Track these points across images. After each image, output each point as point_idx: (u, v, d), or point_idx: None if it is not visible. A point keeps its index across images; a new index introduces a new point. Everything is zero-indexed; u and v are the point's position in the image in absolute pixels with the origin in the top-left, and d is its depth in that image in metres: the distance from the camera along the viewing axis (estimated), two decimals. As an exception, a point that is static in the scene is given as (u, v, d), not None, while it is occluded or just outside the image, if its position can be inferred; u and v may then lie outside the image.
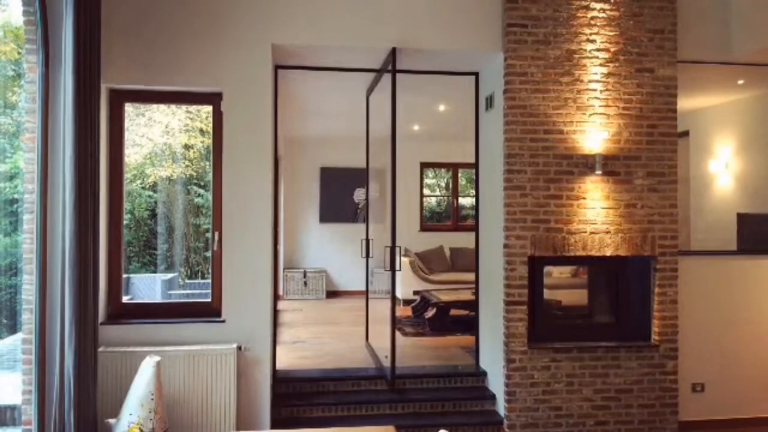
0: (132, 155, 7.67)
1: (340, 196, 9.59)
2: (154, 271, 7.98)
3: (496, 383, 4.45)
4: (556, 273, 4.61)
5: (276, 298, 4.82)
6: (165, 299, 6.73)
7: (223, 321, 4.05)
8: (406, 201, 9.61)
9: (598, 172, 4.22)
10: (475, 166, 4.96)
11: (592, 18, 4.29)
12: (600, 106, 4.29)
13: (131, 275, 7.16)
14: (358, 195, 9.54)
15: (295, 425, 4.14)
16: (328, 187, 9.72)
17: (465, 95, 5.15)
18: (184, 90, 4.16)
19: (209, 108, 4.28)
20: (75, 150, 3.39)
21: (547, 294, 4.48)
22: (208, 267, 6.07)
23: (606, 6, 4.30)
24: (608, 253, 4.28)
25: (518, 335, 4.21)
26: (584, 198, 4.27)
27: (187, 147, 8.13)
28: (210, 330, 4.03)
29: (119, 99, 4.15)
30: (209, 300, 4.20)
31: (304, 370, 4.84)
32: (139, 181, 7.95)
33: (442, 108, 7.27)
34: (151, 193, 8.21)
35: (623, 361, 4.29)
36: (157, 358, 3.60)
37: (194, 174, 8.26)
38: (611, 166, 4.28)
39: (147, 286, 7.01)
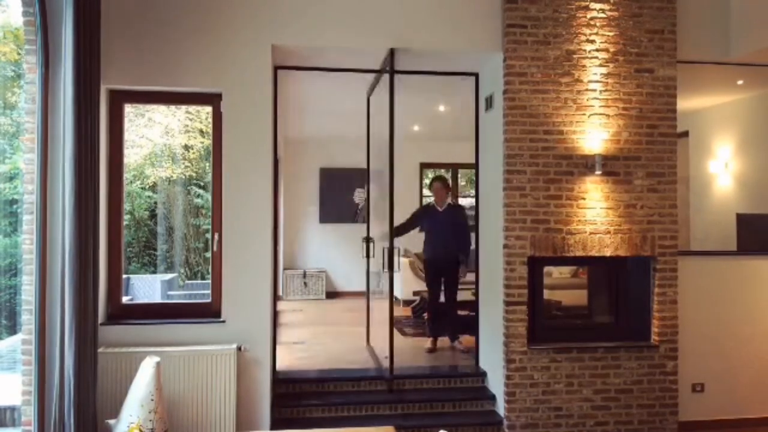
0: (132, 156, 7.67)
1: (340, 196, 9.60)
2: (154, 272, 7.99)
3: (496, 383, 4.45)
4: (555, 273, 4.61)
5: (275, 298, 4.81)
6: (165, 300, 6.73)
7: (223, 321, 4.05)
8: (407, 201, 9.60)
9: (598, 172, 4.22)
10: (475, 166, 4.96)
11: (592, 18, 4.29)
12: (600, 106, 4.30)
13: (131, 276, 7.16)
14: (358, 195, 9.55)
15: (295, 425, 4.15)
16: (327, 187, 9.73)
17: (465, 95, 5.15)
18: (184, 90, 4.16)
19: (209, 109, 4.28)
20: (75, 150, 3.39)
21: (547, 294, 4.49)
22: (207, 268, 6.07)
23: (605, 6, 4.30)
24: (608, 254, 4.28)
25: (518, 335, 4.21)
26: (584, 198, 4.27)
27: (186, 148, 8.14)
28: (210, 330, 4.03)
29: (119, 99, 4.14)
30: (209, 300, 4.19)
31: (304, 371, 4.84)
32: (138, 182, 7.95)
33: (442, 108, 7.27)
34: (150, 193, 8.22)
35: (623, 362, 4.29)
36: (157, 359, 3.59)
37: (194, 174, 8.27)
38: (611, 166, 4.28)
39: (147, 287, 7.01)
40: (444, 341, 5.88)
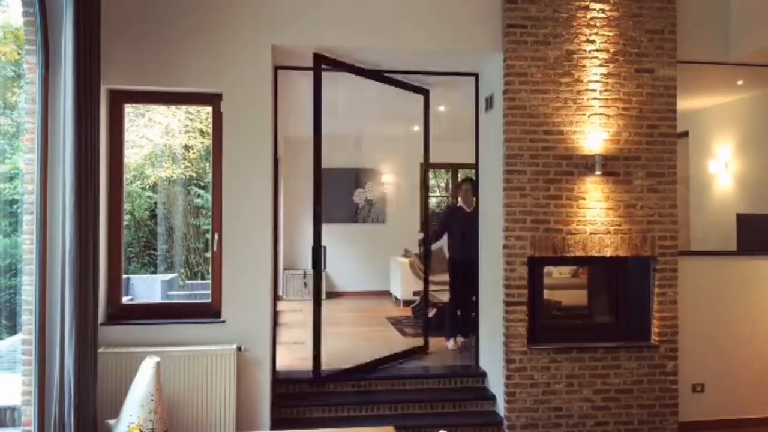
0: (132, 156, 7.68)
1: (340, 196, 9.59)
2: (154, 272, 7.99)
3: (496, 384, 4.45)
4: (555, 273, 4.61)
5: (275, 298, 4.81)
6: (165, 300, 6.73)
7: (223, 321, 4.05)
8: (406, 201, 9.61)
9: (598, 172, 4.22)
10: (475, 167, 4.96)
11: (592, 18, 4.29)
12: (600, 106, 4.29)
13: (131, 276, 7.17)
14: (358, 195, 9.54)
15: (295, 425, 4.14)
16: (327, 187, 9.70)
17: (465, 95, 5.15)
18: (184, 91, 4.16)
19: (209, 109, 4.28)
20: (75, 150, 3.39)
21: (547, 294, 4.49)
22: (207, 268, 6.08)
23: (605, 6, 4.30)
24: (608, 254, 4.28)
25: (518, 336, 4.20)
26: (584, 198, 4.27)
27: (187, 148, 8.14)
28: (210, 330, 4.03)
29: (119, 100, 4.14)
30: (209, 301, 4.19)
31: (304, 371, 4.83)
32: (139, 182, 7.95)
33: (442, 108, 7.26)
34: (151, 193, 8.22)
35: (623, 362, 4.29)
36: (157, 359, 3.60)
37: (194, 175, 8.27)
38: (611, 166, 4.28)
39: (147, 287, 7.01)
40: (444, 341, 5.87)
